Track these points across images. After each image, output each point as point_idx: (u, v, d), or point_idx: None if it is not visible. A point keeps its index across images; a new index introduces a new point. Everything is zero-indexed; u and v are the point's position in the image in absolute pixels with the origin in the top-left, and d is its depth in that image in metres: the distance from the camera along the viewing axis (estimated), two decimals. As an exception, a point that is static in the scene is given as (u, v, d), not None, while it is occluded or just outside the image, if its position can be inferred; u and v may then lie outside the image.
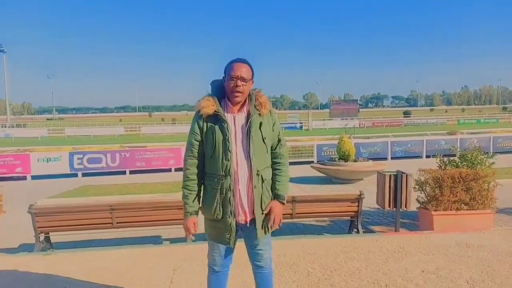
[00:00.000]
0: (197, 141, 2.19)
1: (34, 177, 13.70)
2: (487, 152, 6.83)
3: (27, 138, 36.69)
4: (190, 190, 2.22)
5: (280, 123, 2.45)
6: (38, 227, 4.82)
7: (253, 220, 2.19)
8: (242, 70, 2.12)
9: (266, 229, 2.23)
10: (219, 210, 2.14)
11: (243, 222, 2.19)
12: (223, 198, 2.13)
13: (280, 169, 2.29)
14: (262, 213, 2.19)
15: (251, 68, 2.19)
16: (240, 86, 2.11)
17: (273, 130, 2.26)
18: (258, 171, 2.14)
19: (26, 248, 5.29)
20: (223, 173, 2.11)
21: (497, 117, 56.17)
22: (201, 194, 2.29)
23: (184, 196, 2.22)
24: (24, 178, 13.68)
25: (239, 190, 2.14)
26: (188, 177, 2.22)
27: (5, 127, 49.07)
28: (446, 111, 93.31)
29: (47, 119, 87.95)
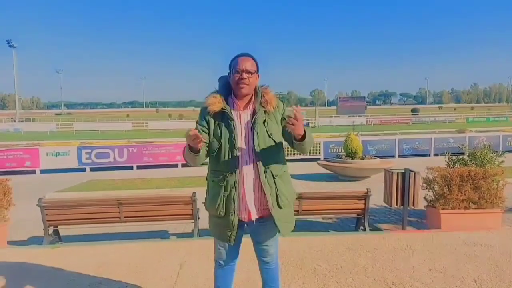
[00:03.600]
0: (205, 133, 2.14)
1: (43, 171, 13.85)
2: (496, 151, 6.75)
3: (36, 133, 37.04)
4: None
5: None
6: (47, 220, 4.88)
7: (260, 218, 2.17)
8: (247, 63, 2.11)
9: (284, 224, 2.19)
10: (223, 207, 2.13)
11: (247, 220, 2.17)
12: (227, 196, 2.12)
13: None
14: (281, 208, 2.15)
15: (256, 62, 2.17)
16: (245, 78, 2.09)
17: (282, 120, 2.19)
18: (265, 167, 2.11)
19: (35, 241, 5.36)
20: (228, 171, 2.10)
21: (506, 115, 55.36)
22: (206, 189, 2.28)
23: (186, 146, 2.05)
24: (33, 172, 13.83)
25: (244, 187, 2.12)
26: None
27: (15, 121, 49.59)
28: (455, 109, 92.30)
29: (56, 114, 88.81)
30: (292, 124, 1.91)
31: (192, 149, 1.99)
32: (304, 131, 1.98)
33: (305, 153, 2.31)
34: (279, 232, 2.19)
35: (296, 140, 2.04)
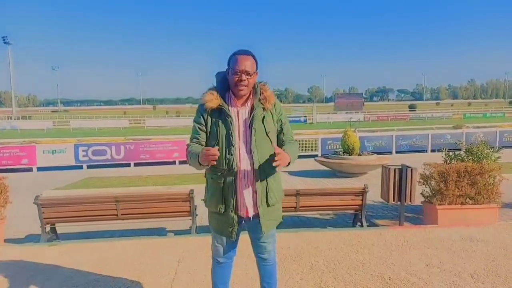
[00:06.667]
0: (203, 131, 2.17)
1: (39, 169, 13.80)
2: (493, 147, 6.76)
3: (33, 130, 36.87)
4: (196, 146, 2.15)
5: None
6: (44, 218, 4.87)
7: (256, 215, 2.18)
8: (246, 64, 2.07)
9: (270, 223, 2.23)
10: (222, 204, 2.14)
11: (246, 216, 2.18)
12: (226, 192, 2.13)
13: (287, 143, 2.20)
14: (268, 206, 2.18)
15: (255, 59, 2.14)
16: (244, 80, 2.07)
17: (277, 122, 2.22)
18: (261, 165, 2.12)
19: (32, 238, 5.35)
20: (226, 167, 2.10)
21: (503, 111, 55.56)
22: (205, 186, 2.29)
23: (191, 151, 2.11)
24: (30, 169, 13.77)
25: (241, 184, 2.13)
26: (192, 146, 2.16)
27: (11, 119, 49.34)
28: (452, 105, 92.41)
29: (52, 111, 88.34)
30: (279, 164, 1.95)
31: (200, 163, 2.01)
32: (289, 161, 2.04)
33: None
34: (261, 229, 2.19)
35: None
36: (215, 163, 1.96)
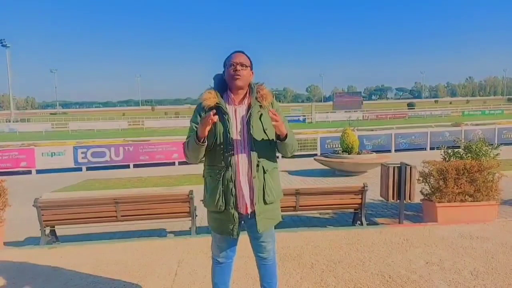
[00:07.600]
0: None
1: (39, 171, 13.80)
2: (492, 144, 6.76)
3: (31, 133, 36.87)
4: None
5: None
6: (44, 221, 4.86)
7: (253, 213, 2.18)
8: (241, 57, 2.18)
9: (267, 221, 2.23)
10: (222, 201, 2.15)
11: (245, 213, 2.19)
12: (225, 190, 2.14)
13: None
14: (265, 204, 2.19)
15: (249, 58, 2.23)
16: (239, 70, 2.14)
17: None
18: (258, 161, 2.14)
19: (32, 241, 5.34)
20: (224, 164, 2.12)
21: (502, 108, 55.63)
22: (203, 187, 2.29)
23: (187, 142, 2.18)
24: (29, 172, 13.77)
25: (240, 181, 2.14)
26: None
27: (9, 121, 49.26)
28: (450, 103, 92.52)
29: (51, 114, 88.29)
30: (276, 121, 2.04)
31: (198, 138, 2.05)
32: (287, 134, 2.14)
33: (286, 155, 2.39)
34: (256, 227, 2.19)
35: (278, 139, 2.17)
36: (216, 118, 2.01)
